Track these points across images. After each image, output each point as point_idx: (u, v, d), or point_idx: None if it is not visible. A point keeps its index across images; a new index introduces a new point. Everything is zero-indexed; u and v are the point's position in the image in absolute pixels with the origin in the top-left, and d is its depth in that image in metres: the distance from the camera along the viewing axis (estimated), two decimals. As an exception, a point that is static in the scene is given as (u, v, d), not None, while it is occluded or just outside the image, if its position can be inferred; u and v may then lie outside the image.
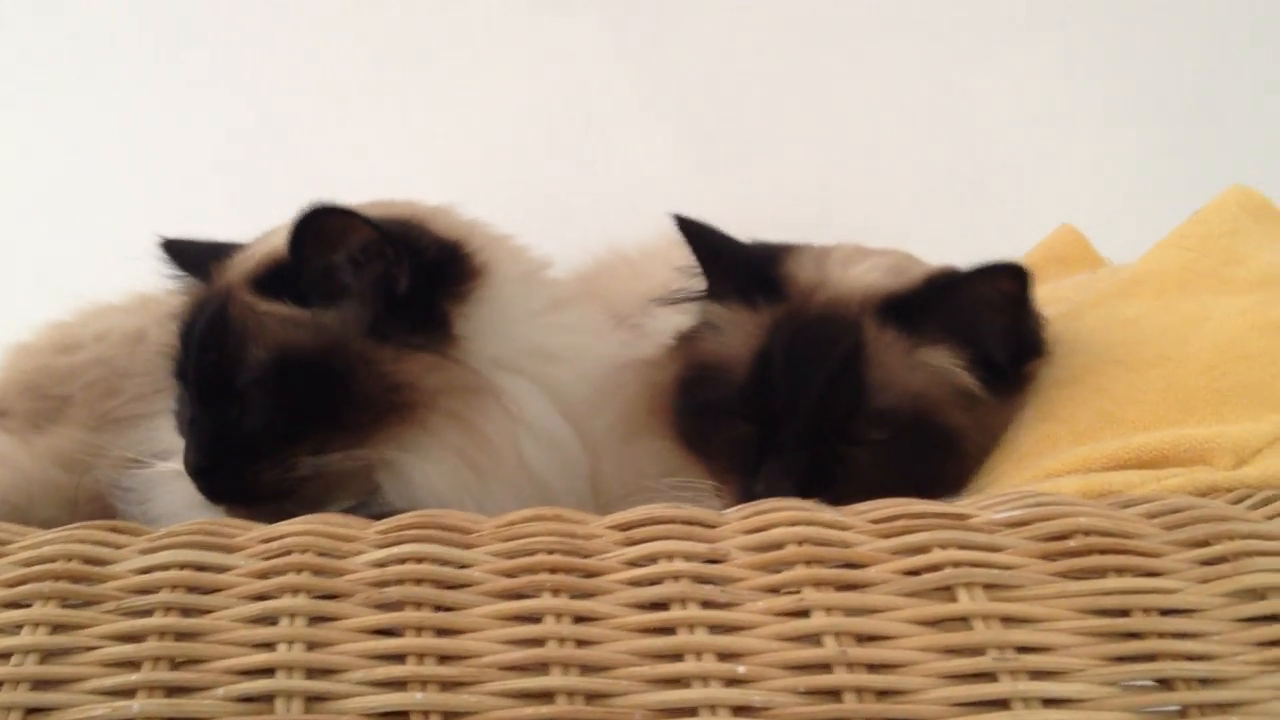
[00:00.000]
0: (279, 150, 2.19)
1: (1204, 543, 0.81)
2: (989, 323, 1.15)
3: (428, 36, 2.26)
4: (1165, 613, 0.77)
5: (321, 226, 1.14)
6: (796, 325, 1.17)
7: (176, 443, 1.22)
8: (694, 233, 1.24)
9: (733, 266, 1.24)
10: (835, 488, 1.07)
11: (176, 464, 1.19)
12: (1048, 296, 1.27)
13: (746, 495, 1.09)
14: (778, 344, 1.16)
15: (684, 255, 1.25)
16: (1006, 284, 1.14)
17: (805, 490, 1.04)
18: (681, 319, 1.29)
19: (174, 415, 1.25)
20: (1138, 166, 2.11)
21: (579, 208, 2.11)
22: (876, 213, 2.08)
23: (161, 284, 1.33)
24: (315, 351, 1.15)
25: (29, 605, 0.79)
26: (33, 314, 1.50)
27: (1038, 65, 2.16)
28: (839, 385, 1.13)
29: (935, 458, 1.12)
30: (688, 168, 2.21)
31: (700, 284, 1.26)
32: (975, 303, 1.15)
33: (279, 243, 1.19)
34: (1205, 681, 0.75)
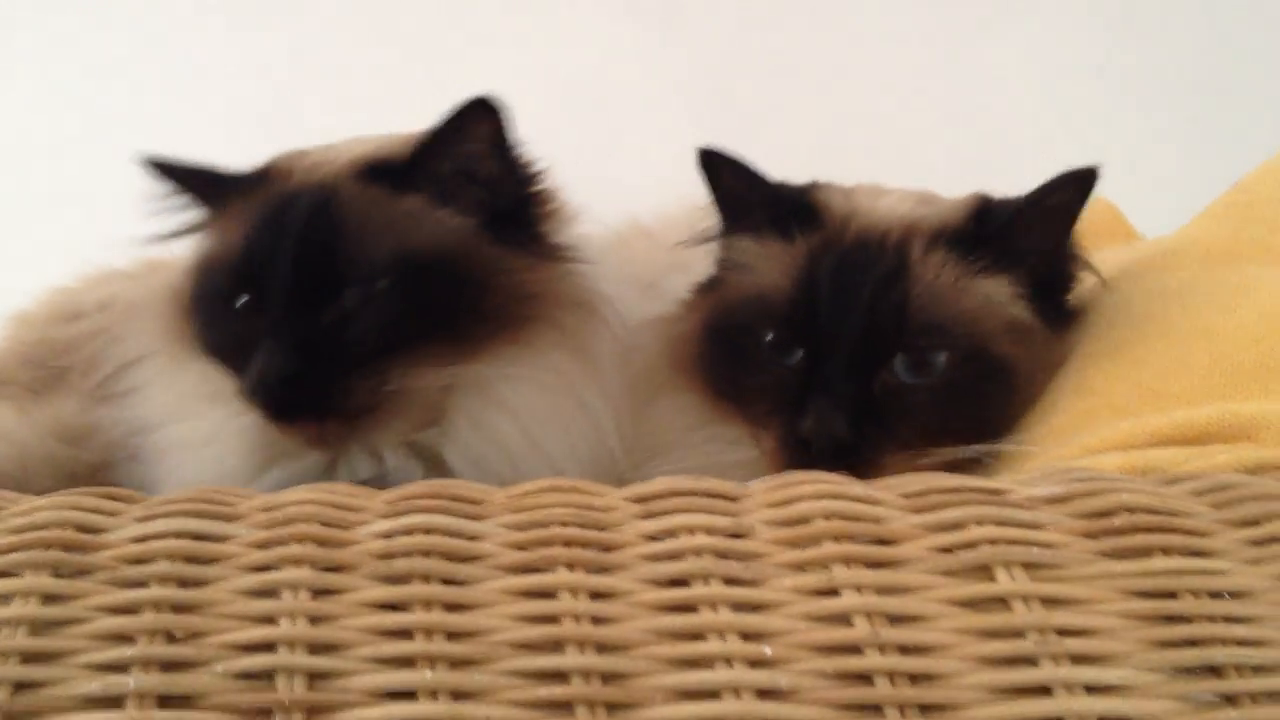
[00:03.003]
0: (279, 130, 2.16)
1: (1254, 522, 0.78)
2: (1038, 245, 1.12)
3: (437, 10, 2.23)
4: (1215, 595, 0.74)
5: (478, 119, 1.09)
6: (840, 250, 1.13)
7: (171, 412, 1.18)
8: (724, 164, 1.19)
9: (765, 198, 1.19)
10: (886, 423, 1.03)
11: (179, 430, 1.15)
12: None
13: (792, 434, 1.05)
14: (823, 270, 1.11)
15: (701, 219, 1.21)
16: (1063, 196, 1.11)
17: (855, 425, 1.00)
18: (700, 275, 1.25)
19: (161, 361, 1.19)
20: (1163, 139, 2.07)
21: (591, 181, 2.07)
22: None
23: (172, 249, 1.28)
24: (445, 252, 1.09)
25: (19, 575, 0.75)
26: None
27: (1060, 35, 2.12)
28: (884, 305, 1.08)
29: (988, 390, 1.08)
30: (700, 140, 2.17)
31: (722, 222, 1.22)
32: (1029, 225, 1.12)
33: (384, 141, 1.16)
34: (1259, 669, 0.71)
